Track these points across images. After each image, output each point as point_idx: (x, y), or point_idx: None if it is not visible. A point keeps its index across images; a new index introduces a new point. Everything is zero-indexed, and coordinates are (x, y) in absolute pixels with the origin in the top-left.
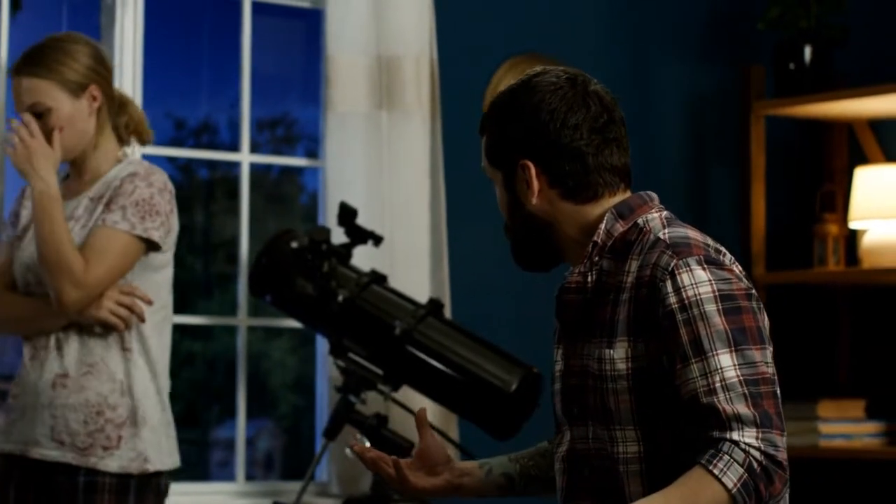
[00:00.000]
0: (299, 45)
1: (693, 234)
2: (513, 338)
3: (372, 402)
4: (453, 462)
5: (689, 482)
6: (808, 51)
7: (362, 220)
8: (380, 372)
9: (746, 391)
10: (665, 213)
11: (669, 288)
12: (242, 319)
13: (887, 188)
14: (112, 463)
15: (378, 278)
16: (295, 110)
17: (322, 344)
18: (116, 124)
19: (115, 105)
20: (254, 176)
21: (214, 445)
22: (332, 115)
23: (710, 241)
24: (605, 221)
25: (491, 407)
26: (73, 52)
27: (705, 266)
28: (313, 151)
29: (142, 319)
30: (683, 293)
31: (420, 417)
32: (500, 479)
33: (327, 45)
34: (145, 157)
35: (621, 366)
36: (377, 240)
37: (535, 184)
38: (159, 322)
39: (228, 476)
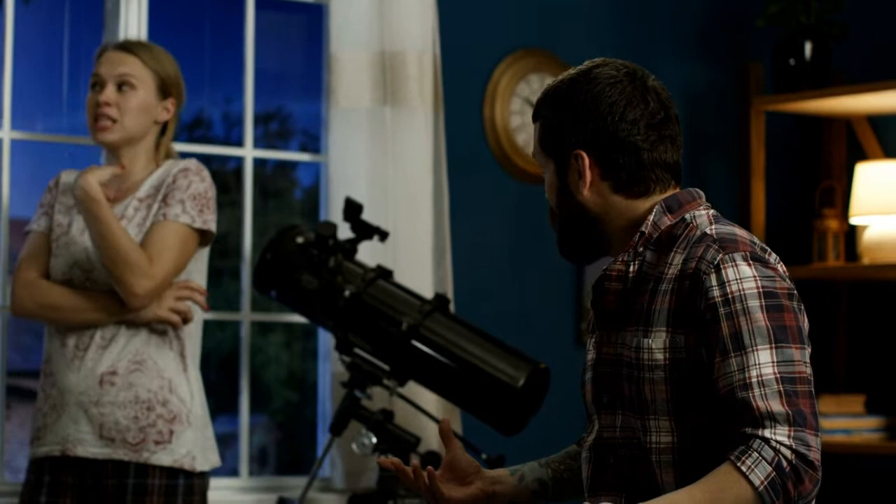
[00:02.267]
0: (297, 40)
1: (740, 231)
2: (515, 333)
3: (376, 398)
4: (483, 471)
5: (717, 478)
6: (807, 47)
7: (365, 216)
8: (386, 367)
9: (782, 388)
10: (712, 211)
11: (714, 281)
12: (246, 314)
13: (888, 184)
14: (165, 457)
15: (384, 273)
16: (289, 105)
17: (323, 339)
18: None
19: (174, 130)
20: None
21: None
22: (334, 110)
23: (756, 240)
24: (653, 214)
25: (498, 403)
26: (174, 62)
27: (751, 262)
28: (307, 146)
29: (205, 308)
30: (727, 287)
31: (444, 429)
32: (533, 484)
33: (330, 41)
34: None
35: (659, 356)
36: (383, 235)
37: (588, 175)
38: (199, 320)
39: (224, 471)
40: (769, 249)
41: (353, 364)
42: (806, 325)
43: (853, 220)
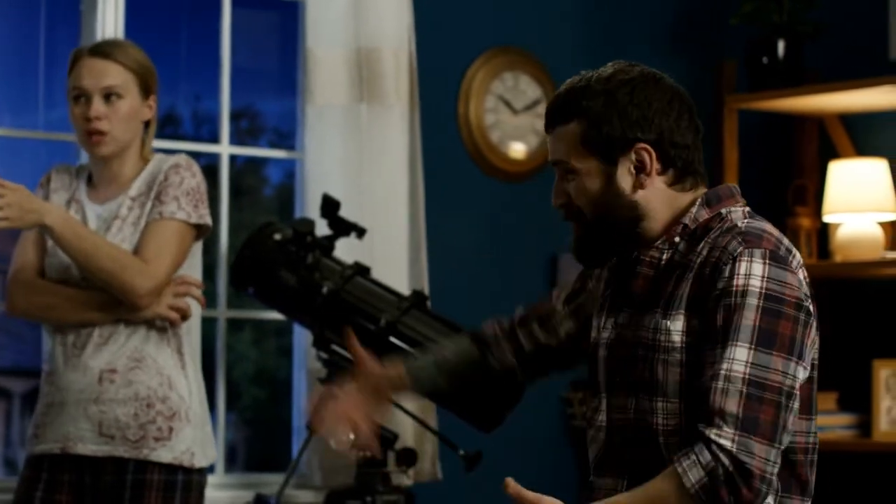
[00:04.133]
0: (269, 37)
1: (770, 229)
2: None
3: None
4: (380, 386)
5: (660, 478)
6: (780, 45)
7: (340, 213)
8: None
9: (745, 390)
10: (747, 208)
11: (727, 272)
12: (222, 312)
13: (861, 182)
14: (165, 454)
15: (362, 270)
16: (259, 103)
17: (298, 336)
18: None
19: (156, 122)
20: (216, 167)
21: None
22: (310, 107)
23: (784, 241)
24: (695, 207)
25: (475, 398)
26: (146, 56)
27: (767, 261)
28: (277, 143)
29: (202, 303)
30: (735, 280)
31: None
32: (429, 387)
33: (306, 38)
34: None
35: (676, 338)
36: (360, 232)
37: (653, 169)
38: (196, 315)
39: None
40: (795, 253)
41: (331, 361)
42: (808, 340)
43: (826, 219)
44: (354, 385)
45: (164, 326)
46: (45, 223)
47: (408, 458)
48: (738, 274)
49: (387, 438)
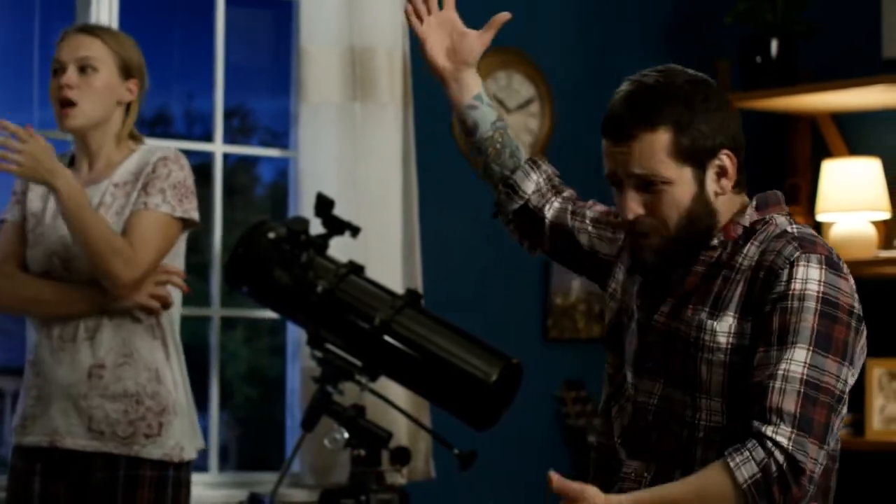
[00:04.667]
0: (262, 36)
1: (819, 236)
2: (483, 328)
3: (346, 393)
4: (469, 69)
5: (708, 471)
6: (774, 45)
7: (334, 211)
8: (358, 363)
9: (802, 390)
10: (789, 216)
11: (785, 276)
12: (216, 310)
13: (854, 181)
14: (155, 451)
15: (356, 269)
16: (251, 101)
17: (292, 335)
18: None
19: (137, 109)
20: (207, 166)
21: None
22: (304, 106)
23: (832, 248)
24: (749, 209)
25: (470, 398)
26: (133, 43)
27: (824, 266)
28: (269, 142)
29: (185, 290)
30: (793, 283)
31: (497, 21)
32: (469, 120)
33: (300, 37)
34: None
35: (721, 339)
36: (355, 231)
37: (733, 172)
38: (178, 308)
39: None
40: (842, 261)
41: (325, 359)
42: (858, 346)
43: (819, 218)
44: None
45: (150, 318)
46: (54, 184)
47: (401, 456)
48: (795, 278)
49: (381, 438)
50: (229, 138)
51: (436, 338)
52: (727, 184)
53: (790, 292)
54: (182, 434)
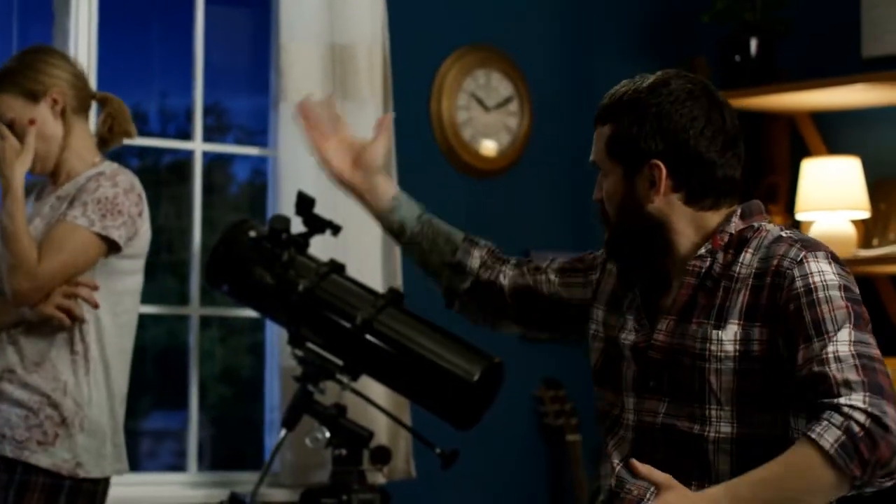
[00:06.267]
0: (240, 34)
1: (815, 238)
2: (464, 327)
3: (326, 392)
4: (378, 176)
5: (792, 451)
6: (753, 43)
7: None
8: (339, 362)
9: (858, 363)
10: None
11: (797, 274)
12: (195, 308)
13: (834, 181)
14: (44, 459)
15: (337, 268)
16: (225, 100)
17: (271, 334)
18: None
19: (88, 105)
20: (181, 164)
21: (142, 436)
22: (284, 104)
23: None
24: (734, 217)
25: (452, 397)
26: (29, 61)
27: (831, 261)
28: (243, 141)
29: (94, 305)
30: (810, 278)
31: (383, 122)
32: (395, 223)
33: (280, 34)
34: None
35: (729, 347)
36: (336, 229)
37: (663, 186)
38: (119, 328)
39: (158, 466)
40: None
41: (306, 358)
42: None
43: (799, 217)
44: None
45: (69, 332)
46: (6, 190)
47: (382, 456)
48: (811, 272)
49: (363, 437)
50: (205, 136)
51: (418, 337)
52: (657, 195)
53: (811, 286)
54: (85, 451)
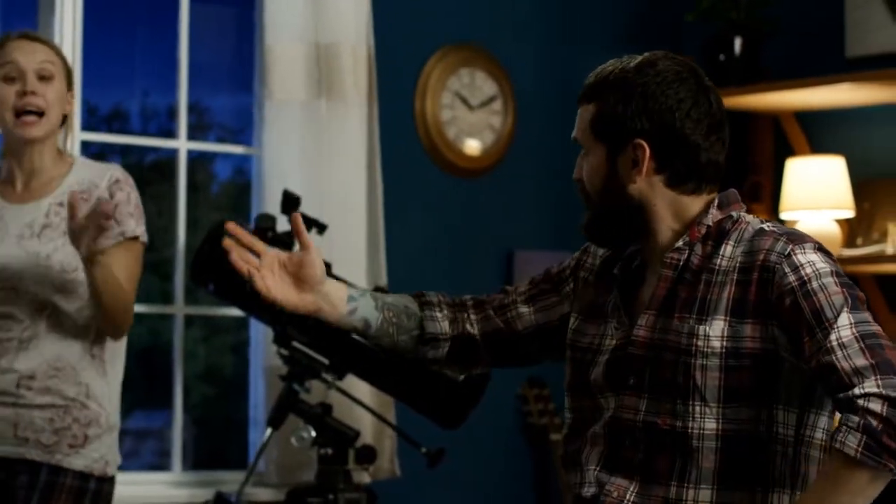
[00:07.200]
0: (223, 33)
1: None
2: None
3: (312, 391)
4: (323, 285)
5: (826, 465)
6: (737, 43)
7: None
8: (325, 361)
9: (863, 345)
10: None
11: (787, 268)
12: (179, 308)
13: (818, 180)
14: (77, 461)
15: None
16: (206, 98)
17: (255, 333)
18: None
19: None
20: (163, 163)
21: (123, 435)
22: (268, 103)
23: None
24: (712, 208)
25: (439, 396)
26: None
27: (818, 252)
28: (225, 139)
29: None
30: (801, 271)
31: (295, 221)
32: (358, 322)
33: (265, 34)
34: (85, 142)
35: (716, 343)
36: (321, 228)
37: (645, 166)
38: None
39: (140, 465)
40: None
41: (292, 357)
42: None
43: (783, 216)
44: (288, 257)
45: (86, 334)
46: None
47: (367, 455)
48: (801, 264)
49: (348, 436)
50: (187, 135)
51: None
52: (639, 175)
53: (804, 278)
54: (108, 450)
